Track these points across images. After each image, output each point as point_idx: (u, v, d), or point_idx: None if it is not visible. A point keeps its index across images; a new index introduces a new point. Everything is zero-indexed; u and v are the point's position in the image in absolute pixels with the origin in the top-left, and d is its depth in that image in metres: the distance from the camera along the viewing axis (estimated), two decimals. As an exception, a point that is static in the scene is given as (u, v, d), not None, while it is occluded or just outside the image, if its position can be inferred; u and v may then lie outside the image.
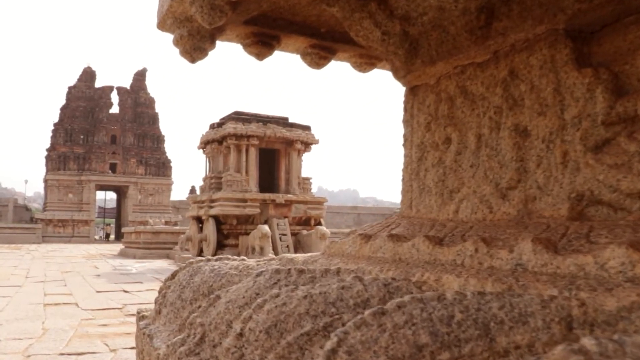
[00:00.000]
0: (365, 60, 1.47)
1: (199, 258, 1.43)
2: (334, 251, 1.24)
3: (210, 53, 1.35)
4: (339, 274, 0.90)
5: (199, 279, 1.24)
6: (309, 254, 1.36)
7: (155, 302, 1.36)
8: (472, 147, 1.06)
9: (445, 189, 1.12)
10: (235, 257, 1.43)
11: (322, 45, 1.40)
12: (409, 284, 0.77)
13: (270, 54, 1.37)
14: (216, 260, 1.39)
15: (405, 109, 1.30)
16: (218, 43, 1.40)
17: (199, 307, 1.14)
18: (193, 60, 1.29)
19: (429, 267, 0.85)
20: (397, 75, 1.29)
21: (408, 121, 1.29)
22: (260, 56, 1.35)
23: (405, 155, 1.29)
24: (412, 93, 1.26)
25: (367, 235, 1.11)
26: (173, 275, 1.43)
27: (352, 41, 1.46)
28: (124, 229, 18.09)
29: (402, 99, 1.32)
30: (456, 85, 1.10)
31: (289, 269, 0.94)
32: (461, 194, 1.06)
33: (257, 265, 1.28)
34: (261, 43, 1.34)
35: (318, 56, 1.41)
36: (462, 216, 1.04)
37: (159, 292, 1.45)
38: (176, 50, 1.29)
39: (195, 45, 1.25)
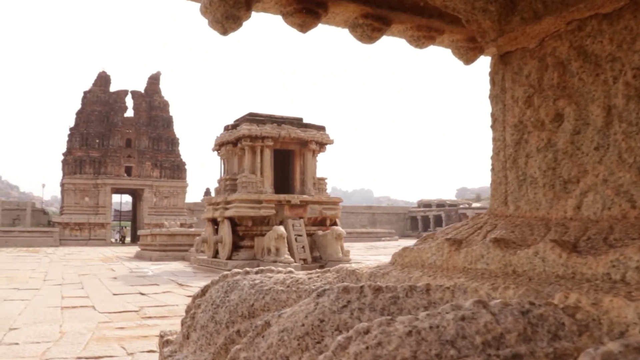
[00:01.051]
0: (424, 33, 1.23)
1: (235, 270, 1.17)
2: (409, 261, 1.00)
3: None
4: (430, 293, 0.67)
5: (237, 296, 1.03)
6: (374, 265, 1.12)
7: (182, 324, 1.14)
8: (597, 124, 0.82)
9: (557, 179, 0.87)
10: (280, 268, 1.19)
11: (375, 15, 1.18)
12: (555, 310, 0.54)
13: (315, 25, 1.16)
14: (256, 272, 1.17)
15: (494, 82, 1.05)
16: (247, 23, 1.19)
17: (238, 331, 0.92)
18: (225, 31, 1.08)
19: (570, 284, 0.62)
20: (483, 39, 1.04)
21: (498, 96, 1.04)
22: (304, 27, 1.13)
23: (496, 139, 1.04)
24: (503, 61, 1.01)
25: (458, 241, 0.88)
26: (203, 292, 1.21)
27: (410, 10, 1.24)
28: (139, 232, 18.15)
29: (488, 70, 1.08)
30: (570, 45, 0.86)
31: (361, 287, 0.71)
32: (583, 184, 0.82)
33: (309, 279, 1.06)
34: (305, 11, 1.12)
35: (371, 28, 1.18)
36: (587, 213, 0.80)
37: (187, 312, 1.22)
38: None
39: (227, 12, 1.04)
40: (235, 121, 11.77)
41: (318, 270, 1.17)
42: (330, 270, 1.15)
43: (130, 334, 4.00)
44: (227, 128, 11.81)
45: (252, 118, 11.32)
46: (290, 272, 1.15)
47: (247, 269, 1.17)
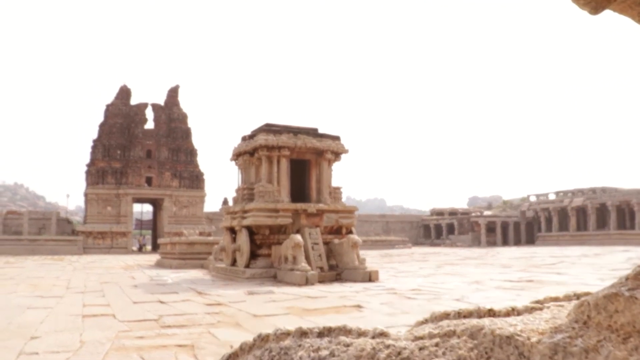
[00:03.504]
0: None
1: (283, 330, 0.82)
2: (630, 321, 0.58)
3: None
4: None
5: None
6: (544, 324, 0.77)
7: None
8: None
9: None
10: (362, 327, 0.71)
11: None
12: None
13: None
14: (319, 334, 0.71)
15: None
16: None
17: None
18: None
19: None
20: None
21: None
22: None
23: None
24: None
25: None
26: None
27: None
28: (159, 240, 18.44)
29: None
30: None
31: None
32: None
33: (421, 350, 0.65)
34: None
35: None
36: None
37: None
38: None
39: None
40: (252, 132, 11.91)
41: (431, 330, 0.71)
42: (455, 331, 0.71)
43: (149, 343, 3.92)
44: (244, 138, 11.95)
45: (269, 128, 11.43)
46: (383, 335, 0.67)
47: (303, 327, 0.71)
